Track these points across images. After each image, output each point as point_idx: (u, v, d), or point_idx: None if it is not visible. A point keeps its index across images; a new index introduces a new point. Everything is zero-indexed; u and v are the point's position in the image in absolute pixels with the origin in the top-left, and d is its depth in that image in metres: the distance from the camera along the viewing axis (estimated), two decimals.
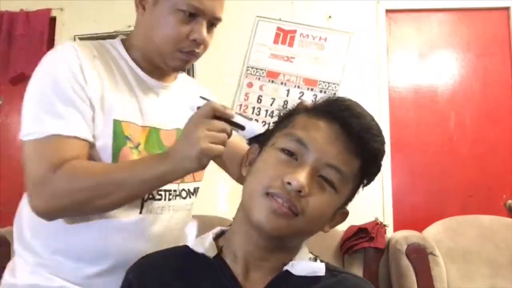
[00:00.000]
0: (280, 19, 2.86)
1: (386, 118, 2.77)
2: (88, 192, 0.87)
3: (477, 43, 2.86)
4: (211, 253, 0.79)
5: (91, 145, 0.94)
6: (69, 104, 0.92)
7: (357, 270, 2.29)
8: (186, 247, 0.82)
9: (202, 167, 0.84)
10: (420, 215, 2.72)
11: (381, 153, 0.78)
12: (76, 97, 0.93)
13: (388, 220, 2.67)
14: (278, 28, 2.86)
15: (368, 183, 0.81)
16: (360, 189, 0.81)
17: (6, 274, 1.04)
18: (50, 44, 3.00)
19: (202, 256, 0.79)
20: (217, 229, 0.85)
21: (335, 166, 0.73)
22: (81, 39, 2.96)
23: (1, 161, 2.98)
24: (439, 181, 2.78)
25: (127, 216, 0.98)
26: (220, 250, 0.80)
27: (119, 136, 0.96)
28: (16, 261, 1.03)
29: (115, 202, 0.90)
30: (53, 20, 3.03)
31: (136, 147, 0.99)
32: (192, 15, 0.98)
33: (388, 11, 2.89)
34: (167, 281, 0.79)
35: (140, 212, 1.00)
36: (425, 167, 2.80)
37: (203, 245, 0.80)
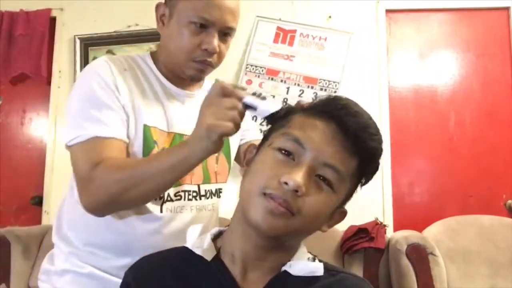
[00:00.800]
0: (280, 19, 2.86)
1: (386, 118, 2.76)
2: (122, 183, 0.95)
3: (477, 43, 2.86)
4: (209, 254, 0.79)
5: (128, 145, 1.05)
6: (106, 109, 1.03)
7: (357, 270, 2.29)
8: (185, 248, 0.82)
9: (215, 145, 0.86)
10: (420, 215, 2.72)
11: (379, 152, 0.78)
12: (111, 103, 1.04)
13: (388, 220, 2.67)
14: (278, 28, 2.86)
15: (367, 182, 0.80)
16: (359, 188, 0.81)
17: (45, 261, 1.18)
18: (50, 44, 3.00)
19: (200, 257, 0.79)
20: (215, 230, 0.85)
21: (332, 165, 0.73)
22: (81, 39, 2.97)
23: (1, 161, 2.98)
24: (439, 181, 2.78)
25: (150, 216, 1.08)
26: (218, 250, 0.80)
27: (149, 140, 1.07)
28: (54, 251, 1.17)
29: (147, 191, 0.97)
30: (53, 20, 3.03)
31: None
32: (203, 26, 1.06)
33: (388, 11, 2.89)
34: (165, 282, 0.78)
35: (161, 211, 1.09)
36: (425, 167, 2.80)
37: (201, 246, 0.80)
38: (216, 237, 0.83)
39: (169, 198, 1.10)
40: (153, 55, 1.19)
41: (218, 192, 1.21)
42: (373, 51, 2.84)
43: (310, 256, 0.81)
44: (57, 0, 3.03)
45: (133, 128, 1.06)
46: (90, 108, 1.03)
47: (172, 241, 0.99)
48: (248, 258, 0.77)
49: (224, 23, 1.07)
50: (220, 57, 1.12)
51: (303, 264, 0.78)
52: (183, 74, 1.12)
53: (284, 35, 2.85)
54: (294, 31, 2.85)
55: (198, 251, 0.79)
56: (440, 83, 2.86)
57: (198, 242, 0.81)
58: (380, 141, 0.77)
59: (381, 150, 0.78)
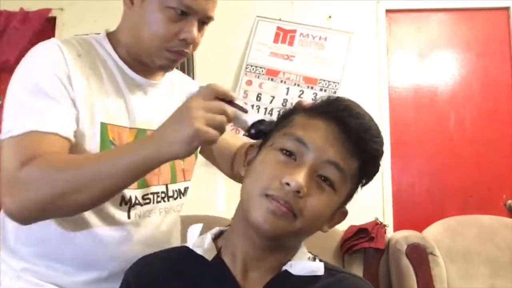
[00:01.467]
0: (280, 19, 2.86)
1: (386, 118, 2.77)
2: (61, 185, 0.78)
3: (477, 43, 2.86)
4: (210, 253, 0.79)
5: (72, 146, 0.88)
6: (50, 100, 0.86)
7: (357, 270, 2.29)
8: (185, 247, 0.82)
9: (191, 152, 0.76)
10: (420, 215, 2.72)
11: (380, 153, 0.78)
12: (57, 94, 0.87)
13: (388, 220, 2.67)
14: (278, 28, 2.86)
15: (367, 182, 0.81)
16: (359, 189, 0.81)
17: None
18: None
19: (201, 257, 0.79)
20: (216, 229, 0.85)
21: (335, 162, 0.73)
22: None
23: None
24: (439, 181, 2.78)
25: (116, 223, 0.95)
26: (219, 250, 0.80)
27: (105, 140, 0.93)
28: (1, 267, 0.97)
29: (94, 196, 0.80)
30: (53, 20, 3.03)
31: None
32: (184, 13, 0.93)
33: (388, 11, 2.89)
34: (166, 282, 0.78)
35: (129, 217, 0.97)
36: (425, 167, 2.80)
37: (202, 245, 0.80)
38: (217, 237, 0.83)
39: (137, 202, 0.98)
40: (111, 37, 1.02)
41: (185, 191, 1.10)
42: (373, 51, 2.84)
43: (311, 255, 0.81)
44: (57, 0, 3.03)
45: (89, 126, 0.91)
46: (30, 98, 0.86)
47: (141, 248, 0.93)
48: (248, 258, 0.77)
49: (206, 11, 0.95)
50: (195, 47, 0.99)
51: (303, 263, 0.78)
52: (151, 63, 0.98)
53: (284, 35, 2.85)
54: (294, 31, 2.85)
55: (198, 251, 0.79)
56: (440, 83, 2.86)
57: (199, 241, 0.81)
58: (381, 143, 0.77)
59: (382, 152, 0.78)
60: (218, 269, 0.77)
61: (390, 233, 2.54)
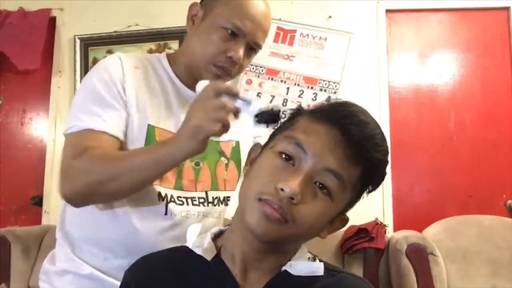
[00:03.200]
0: (280, 19, 2.86)
1: (386, 118, 2.77)
2: (101, 174, 0.95)
3: (477, 43, 2.86)
4: (209, 253, 0.79)
5: (122, 144, 1.04)
6: (105, 105, 1.03)
7: (357, 270, 2.29)
8: (185, 247, 0.81)
9: (200, 145, 0.87)
10: (420, 215, 2.72)
11: (383, 163, 0.76)
12: (112, 99, 1.03)
13: (388, 220, 2.67)
14: (278, 28, 2.86)
15: (374, 189, 0.79)
16: (366, 195, 0.79)
17: (46, 261, 1.17)
18: (50, 44, 3.00)
19: (200, 257, 0.78)
20: (216, 229, 0.84)
21: (333, 171, 0.71)
22: (81, 39, 2.97)
23: (1, 161, 2.98)
24: (439, 181, 2.77)
25: (154, 217, 1.06)
26: (218, 250, 0.80)
27: (151, 140, 1.06)
28: (56, 249, 1.15)
29: (126, 185, 0.96)
30: (53, 20, 3.03)
31: None
32: (233, 34, 1.06)
33: (388, 11, 2.89)
34: (165, 282, 0.78)
35: (165, 214, 1.08)
36: (425, 167, 2.80)
37: (202, 245, 0.79)
38: (216, 237, 0.83)
39: (172, 199, 1.09)
40: (170, 56, 1.17)
41: (226, 200, 1.19)
42: (373, 51, 2.84)
43: (310, 256, 0.81)
44: (57, 0, 3.03)
45: (137, 126, 1.05)
46: (90, 101, 1.03)
47: (173, 244, 0.96)
48: (247, 258, 0.76)
49: (254, 37, 1.09)
50: (241, 69, 1.12)
51: (303, 264, 0.77)
52: (199, 76, 1.10)
53: (284, 35, 2.85)
54: (294, 31, 2.85)
55: (198, 251, 0.79)
56: (440, 83, 2.86)
57: (198, 241, 0.80)
58: (385, 152, 0.75)
59: (386, 161, 0.76)
60: (218, 269, 0.77)
61: (390, 233, 2.54)
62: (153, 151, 0.95)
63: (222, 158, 1.17)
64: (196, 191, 1.12)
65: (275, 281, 0.75)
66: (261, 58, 2.83)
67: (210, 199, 1.14)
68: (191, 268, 0.78)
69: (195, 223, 1.04)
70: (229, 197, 1.19)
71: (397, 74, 2.88)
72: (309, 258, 0.80)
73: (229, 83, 1.01)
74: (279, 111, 0.83)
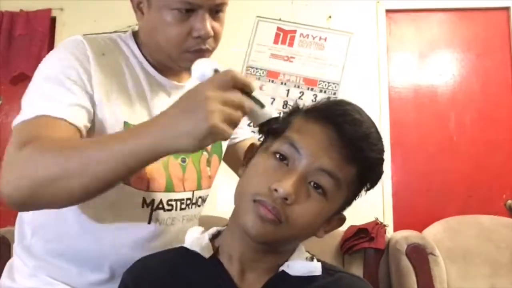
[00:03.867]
0: (280, 19, 2.86)
1: (386, 118, 2.77)
2: (56, 168, 0.72)
3: (477, 43, 2.86)
4: (207, 254, 0.78)
5: (81, 136, 0.83)
6: (64, 89, 0.84)
7: (357, 270, 2.29)
8: (183, 248, 0.81)
9: (199, 149, 0.67)
10: (420, 215, 2.71)
11: (379, 161, 0.75)
12: (74, 86, 0.85)
13: (388, 220, 2.67)
14: (278, 28, 2.86)
15: (372, 187, 0.78)
16: (364, 193, 0.78)
17: (4, 276, 0.99)
18: (51, 44, 3.00)
19: (198, 257, 0.78)
20: (213, 230, 0.84)
21: (327, 171, 0.71)
22: None
23: (1, 161, 2.98)
24: (439, 181, 2.77)
25: (135, 227, 0.93)
26: (216, 250, 0.79)
27: None
28: (15, 263, 0.98)
29: (84, 184, 0.72)
30: (53, 20, 3.03)
31: None
32: (189, 10, 0.88)
33: (388, 11, 2.89)
34: (164, 282, 0.78)
35: (149, 223, 0.95)
36: (425, 167, 2.80)
37: (199, 246, 0.79)
38: (214, 237, 0.83)
39: (160, 206, 0.96)
40: (136, 36, 0.99)
41: (206, 199, 1.09)
42: (373, 51, 2.84)
43: (308, 255, 0.80)
44: (57, 0, 3.03)
45: (112, 125, 0.89)
46: (46, 86, 0.85)
47: None
48: (245, 258, 0.76)
49: (212, 0, 0.89)
50: (217, 38, 0.94)
51: (301, 264, 0.77)
52: (178, 67, 0.96)
53: (284, 36, 2.85)
54: (294, 31, 2.85)
55: (196, 249, 0.78)
56: (440, 83, 2.86)
57: (196, 241, 0.80)
58: (380, 151, 0.74)
59: (382, 160, 0.75)
60: (215, 269, 0.77)
61: (390, 233, 2.53)
62: (122, 141, 0.70)
63: (204, 153, 1.04)
64: (184, 190, 1.00)
65: (273, 281, 0.75)
66: (261, 60, 2.83)
67: (195, 200, 1.03)
68: (189, 268, 0.78)
69: (178, 230, 0.99)
70: (208, 195, 1.09)
71: (397, 74, 2.88)
72: (306, 258, 0.79)
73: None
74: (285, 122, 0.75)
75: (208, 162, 1.05)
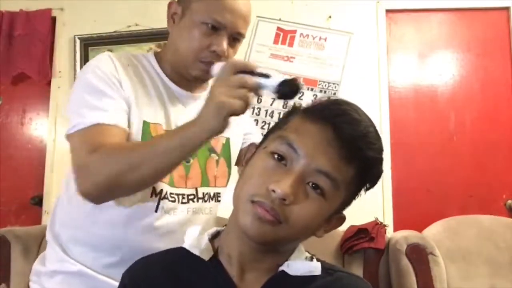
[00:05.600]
0: (280, 19, 2.86)
1: (386, 118, 2.76)
2: (119, 165, 0.92)
3: (477, 43, 2.86)
4: (207, 254, 0.78)
5: (128, 135, 1.03)
6: (106, 98, 1.01)
7: (357, 270, 2.29)
8: (182, 248, 0.81)
9: (222, 124, 0.85)
10: (420, 215, 2.71)
11: (377, 161, 0.75)
12: (112, 92, 1.02)
13: (388, 220, 2.67)
14: (278, 28, 2.86)
15: (372, 186, 0.78)
16: (363, 193, 0.78)
17: (37, 262, 1.17)
18: (50, 44, 3.00)
19: (198, 258, 0.78)
20: (213, 230, 0.84)
21: (325, 172, 0.70)
22: (81, 39, 2.97)
23: (1, 161, 2.98)
24: (439, 181, 2.77)
25: (144, 214, 1.06)
26: (216, 251, 0.80)
27: (146, 137, 1.06)
28: (47, 251, 1.16)
29: (148, 173, 0.93)
30: (53, 20, 3.03)
31: None
32: (215, 28, 1.06)
33: (388, 11, 2.89)
34: (163, 283, 0.78)
35: (156, 211, 1.07)
36: (425, 167, 2.80)
37: (199, 246, 0.79)
38: (213, 237, 0.83)
39: (166, 196, 1.09)
40: (157, 55, 1.18)
41: (216, 196, 1.19)
42: (373, 51, 2.84)
43: (308, 255, 0.80)
44: (57, 0, 3.03)
45: (135, 123, 1.05)
46: (90, 97, 1.02)
47: (162, 242, 1.01)
48: (244, 259, 0.76)
49: (235, 27, 1.08)
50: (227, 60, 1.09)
51: (300, 263, 0.77)
52: (188, 74, 1.11)
53: (284, 36, 2.85)
54: (294, 31, 2.85)
55: (195, 252, 0.78)
56: (440, 83, 2.86)
57: (196, 242, 0.80)
58: (379, 150, 0.74)
59: (381, 159, 0.75)
60: (215, 270, 0.77)
61: (390, 233, 2.53)
62: (175, 135, 0.93)
63: (213, 155, 1.18)
64: (186, 187, 1.13)
65: (273, 281, 0.75)
66: (261, 61, 2.83)
67: (200, 195, 1.15)
68: (189, 269, 0.78)
69: (183, 219, 1.10)
70: (219, 193, 1.19)
71: (397, 74, 2.88)
72: (306, 258, 0.79)
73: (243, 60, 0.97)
74: (299, 82, 0.81)
75: (217, 163, 1.18)
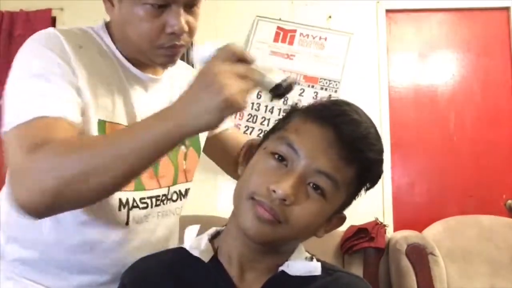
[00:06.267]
0: (280, 19, 2.86)
1: (386, 118, 2.77)
2: (80, 167, 0.69)
3: (477, 43, 2.86)
4: (207, 255, 0.78)
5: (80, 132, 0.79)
6: (52, 84, 0.78)
7: (357, 270, 2.29)
8: (182, 249, 0.80)
9: (221, 122, 0.68)
10: (420, 215, 2.72)
11: (378, 162, 0.75)
12: (60, 79, 0.80)
13: (388, 220, 2.67)
14: (278, 28, 2.86)
15: (372, 186, 0.78)
16: (363, 192, 0.78)
17: None
18: None
19: (197, 258, 0.78)
20: (212, 230, 0.83)
21: (326, 173, 0.70)
22: None
23: (1, 161, 2.97)
24: (439, 181, 2.78)
25: (113, 228, 0.90)
26: (215, 251, 0.79)
27: None
28: None
29: (108, 181, 0.70)
30: (53, 20, 3.03)
31: None
32: (162, 6, 0.83)
33: (388, 11, 2.89)
34: (162, 283, 0.78)
35: (127, 223, 0.91)
36: (425, 167, 2.80)
37: (199, 246, 0.78)
38: (213, 237, 0.82)
39: (135, 204, 0.92)
40: (109, 29, 0.93)
41: (186, 193, 1.04)
42: (373, 51, 2.84)
43: (308, 255, 0.80)
44: (57, 0, 3.03)
45: (90, 120, 0.84)
46: (32, 84, 0.79)
47: (136, 254, 0.87)
48: (244, 259, 0.76)
49: None
50: (192, 33, 0.89)
51: (300, 263, 0.77)
52: (151, 62, 0.91)
53: (284, 35, 2.85)
54: (294, 31, 2.85)
55: (195, 252, 0.78)
56: (440, 83, 2.86)
57: (195, 242, 0.80)
58: (379, 151, 0.74)
59: (381, 160, 0.75)
60: (215, 270, 0.76)
61: (390, 233, 2.54)
62: (146, 128, 0.70)
63: (182, 147, 1.01)
64: (160, 187, 0.96)
65: (272, 281, 0.75)
66: (261, 57, 2.82)
67: (170, 195, 0.99)
68: (188, 269, 0.78)
69: (153, 225, 0.96)
70: (189, 189, 1.04)
71: (397, 74, 2.88)
72: (306, 258, 0.79)
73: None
74: (294, 83, 0.74)
75: (185, 156, 1.01)
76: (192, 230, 0.82)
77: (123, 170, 0.70)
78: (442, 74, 2.86)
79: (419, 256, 2.25)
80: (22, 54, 0.85)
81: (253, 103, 2.76)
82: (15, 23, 2.97)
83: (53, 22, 3.02)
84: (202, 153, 1.09)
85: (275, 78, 0.71)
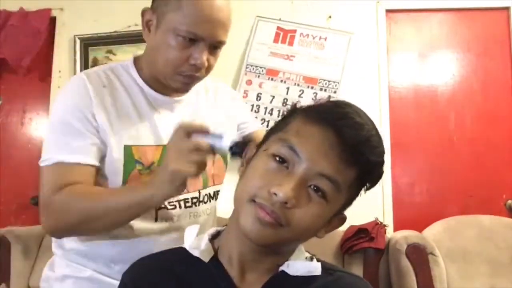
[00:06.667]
0: (280, 19, 2.86)
1: (386, 118, 2.76)
2: (81, 214, 0.98)
3: (477, 43, 2.86)
4: (207, 255, 0.78)
5: (98, 169, 1.03)
6: (74, 133, 1.01)
7: (357, 270, 2.29)
8: (182, 248, 0.81)
9: (177, 189, 0.89)
10: (420, 215, 2.71)
11: (379, 164, 0.74)
12: (81, 127, 1.01)
13: (388, 220, 2.67)
14: (278, 28, 2.86)
15: (372, 187, 0.78)
16: (363, 192, 0.78)
17: (46, 268, 1.18)
18: (50, 44, 3.00)
19: (198, 258, 0.78)
20: (213, 230, 0.84)
21: (327, 176, 0.70)
22: (81, 39, 2.97)
23: (1, 161, 2.98)
24: (439, 181, 2.77)
25: (144, 226, 1.07)
26: (216, 251, 0.79)
27: (129, 161, 1.04)
28: (54, 258, 1.17)
29: (105, 225, 0.99)
30: (53, 20, 3.03)
31: (149, 167, 1.06)
32: (192, 41, 1.00)
33: (388, 11, 2.89)
34: (162, 283, 0.78)
35: (156, 220, 1.08)
36: (425, 167, 2.80)
37: (199, 247, 0.79)
38: (214, 237, 0.83)
39: (162, 206, 1.08)
40: (137, 61, 1.13)
41: (216, 195, 1.19)
42: (373, 51, 2.84)
43: (308, 255, 0.80)
44: (57, 0, 3.03)
45: (116, 149, 1.04)
46: (60, 132, 1.03)
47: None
48: (244, 259, 0.76)
49: (214, 37, 1.02)
50: (209, 70, 1.07)
51: (300, 264, 0.77)
52: (168, 85, 1.08)
53: (284, 35, 2.85)
54: (294, 31, 2.85)
55: (195, 253, 0.78)
56: (440, 83, 2.86)
57: (196, 243, 0.80)
58: (381, 154, 0.74)
59: (382, 162, 0.75)
60: (215, 270, 0.77)
61: (390, 233, 2.53)
62: (131, 192, 0.97)
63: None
64: (188, 192, 1.11)
65: (273, 281, 0.75)
66: (261, 58, 2.83)
67: (201, 198, 1.14)
68: (189, 269, 0.78)
69: (185, 225, 1.01)
70: (218, 191, 1.20)
71: (397, 74, 2.88)
72: (306, 258, 0.79)
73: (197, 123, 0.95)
74: (250, 141, 0.84)
75: (213, 162, 1.16)
76: (192, 230, 0.82)
77: (109, 221, 0.98)
78: (442, 74, 2.86)
79: (419, 256, 2.25)
80: (57, 101, 1.08)
81: (253, 105, 2.76)
82: (13, 18, 2.96)
83: (53, 22, 3.02)
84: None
85: (226, 142, 0.85)
